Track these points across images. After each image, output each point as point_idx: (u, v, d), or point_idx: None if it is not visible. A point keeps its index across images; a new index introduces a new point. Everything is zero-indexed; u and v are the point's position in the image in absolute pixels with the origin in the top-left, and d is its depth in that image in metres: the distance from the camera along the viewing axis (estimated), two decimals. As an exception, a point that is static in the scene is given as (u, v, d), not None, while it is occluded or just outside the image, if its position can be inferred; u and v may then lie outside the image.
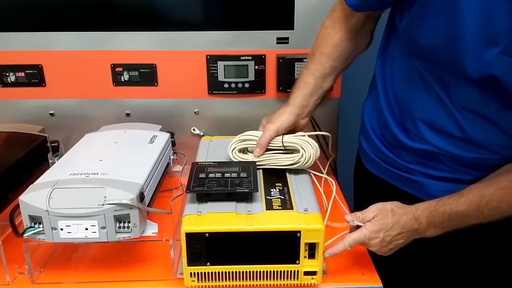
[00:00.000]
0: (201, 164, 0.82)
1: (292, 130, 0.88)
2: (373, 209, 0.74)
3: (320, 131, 1.11)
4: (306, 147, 0.85)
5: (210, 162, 0.84)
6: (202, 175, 0.78)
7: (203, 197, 0.74)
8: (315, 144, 0.85)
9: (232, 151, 0.87)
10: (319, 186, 0.87)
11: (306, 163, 0.85)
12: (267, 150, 0.88)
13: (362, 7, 0.80)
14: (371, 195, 0.96)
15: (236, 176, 0.77)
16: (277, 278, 0.72)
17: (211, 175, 0.78)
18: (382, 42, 0.88)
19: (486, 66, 0.65)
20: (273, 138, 0.85)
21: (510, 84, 0.65)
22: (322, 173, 0.90)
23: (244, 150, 0.88)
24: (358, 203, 1.04)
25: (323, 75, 0.86)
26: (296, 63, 1.04)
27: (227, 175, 0.77)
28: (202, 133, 1.11)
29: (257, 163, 0.85)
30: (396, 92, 0.83)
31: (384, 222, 0.72)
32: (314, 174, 0.89)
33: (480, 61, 0.65)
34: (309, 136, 0.87)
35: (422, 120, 0.79)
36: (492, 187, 0.70)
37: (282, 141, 0.86)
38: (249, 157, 0.86)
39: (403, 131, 0.83)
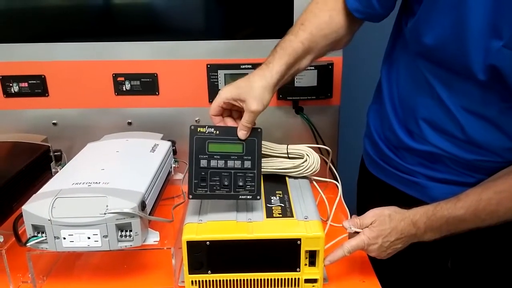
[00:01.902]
0: (201, 133, 0.74)
1: None
2: (371, 215, 0.75)
3: (321, 138, 1.12)
4: (310, 154, 0.86)
5: (211, 129, 0.75)
6: (203, 162, 0.73)
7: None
8: (317, 156, 0.86)
9: None
10: (321, 192, 0.88)
11: (307, 170, 0.86)
12: (269, 156, 0.88)
13: (363, 12, 0.78)
14: (374, 198, 0.96)
15: (240, 166, 0.74)
16: (278, 286, 0.72)
17: (213, 162, 0.73)
18: (388, 47, 0.88)
19: (490, 58, 0.65)
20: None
21: None
22: (325, 179, 0.91)
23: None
24: (361, 207, 1.04)
25: (309, 49, 0.78)
26: (295, 71, 1.05)
27: (230, 163, 0.73)
28: (203, 141, 1.12)
29: None
30: (401, 94, 0.84)
31: (382, 228, 0.73)
32: (317, 180, 0.90)
33: (484, 52, 0.66)
34: (311, 147, 0.87)
35: (425, 121, 0.79)
36: (490, 191, 0.70)
37: (287, 150, 0.87)
38: None
39: (406, 133, 0.83)
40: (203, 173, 0.73)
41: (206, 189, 0.73)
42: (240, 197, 0.74)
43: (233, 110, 0.78)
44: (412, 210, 0.74)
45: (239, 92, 0.73)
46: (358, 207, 1.05)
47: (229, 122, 0.77)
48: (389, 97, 0.86)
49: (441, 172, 0.81)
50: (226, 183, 0.73)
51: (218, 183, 0.73)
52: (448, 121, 0.76)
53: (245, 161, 0.74)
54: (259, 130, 0.76)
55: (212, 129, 0.75)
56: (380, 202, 0.78)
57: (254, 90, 0.73)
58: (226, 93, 0.74)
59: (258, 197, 0.74)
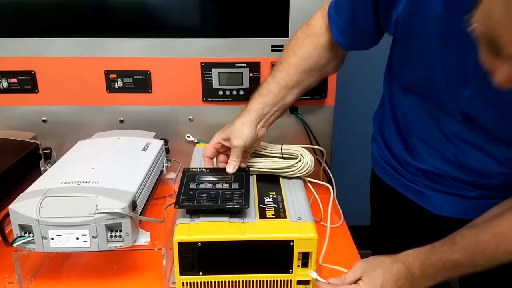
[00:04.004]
0: (193, 171, 0.81)
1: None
2: (358, 268, 0.68)
3: (315, 139, 1.11)
4: (304, 154, 0.85)
5: (202, 169, 0.83)
6: (192, 186, 0.77)
7: (194, 211, 0.73)
8: (311, 157, 0.86)
9: None
10: (315, 193, 0.87)
11: (301, 170, 0.85)
12: (264, 156, 0.88)
13: (351, 46, 0.80)
14: (382, 201, 0.96)
15: (228, 187, 0.76)
16: (270, 287, 0.71)
17: (201, 185, 0.77)
18: (387, 62, 0.87)
19: (461, 104, 0.66)
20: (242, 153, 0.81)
21: (487, 124, 0.65)
22: (318, 181, 0.90)
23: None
24: (374, 209, 1.02)
25: (288, 86, 0.82)
26: (290, 71, 1.04)
27: (218, 186, 0.77)
28: (196, 140, 1.11)
29: (251, 167, 0.85)
30: (401, 111, 0.83)
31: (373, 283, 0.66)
32: (310, 182, 0.89)
33: (456, 101, 0.66)
34: (305, 148, 0.87)
35: (421, 141, 0.79)
36: (487, 233, 0.66)
37: (281, 150, 0.87)
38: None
39: (407, 151, 0.83)
40: (191, 192, 0.75)
41: (192, 202, 0.73)
42: (227, 206, 0.72)
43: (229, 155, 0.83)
44: (404, 253, 0.68)
45: (225, 133, 0.81)
46: (372, 208, 1.04)
47: (221, 164, 0.84)
48: (391, 113, 0.85)
49: (443, 186, 0.80)
50: (213, 196, 0.74)
51: (205, 199, 0.73)
52: (441, 144, 0.75)
53: (233, 184, 0.77)
54: (247, 169, 0.83)
55: (203, 169, 0.83)
56: (387, 205, 0.76)
57: (235, 128, 0.80)
58: (217, 135, 0.82)
59: (247, 206, 0.72)
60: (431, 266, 0.66)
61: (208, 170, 0.82)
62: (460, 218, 0.75)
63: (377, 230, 1.00)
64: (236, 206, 0.72)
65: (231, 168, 0.79)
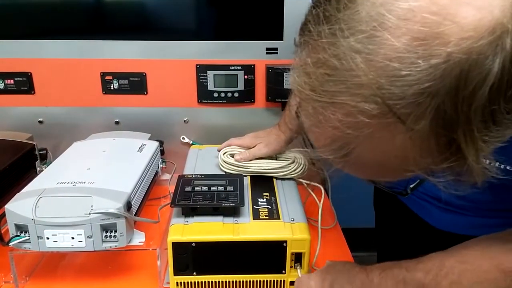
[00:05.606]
0: (188, 177, 0.82)
1: None
2: (325, 265, 0.72)
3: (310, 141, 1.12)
4: (298, 157, 0.87)
5: (197, 175, 0.84)
6: (188, 188, 0.78)
7: (189, 212, 0.74)
8: (304, 158, 0.87)
9: (223, 154, 0.90)
10: (311, 193, 0.87)
11: (294, 171, 0.86)
12: (258, 158, 0.89)
13: None
14: (386, 209, 0.96)
15: (223, 189, 0.77)
16: (263, 288, 0.72)
17: (197, 188, 0.78)
18: None
19: None
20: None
21: None
22: (311, 182, 0.91)
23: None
24: (378, 215, 1.03)
25: None
26: (285, 73, 1.05)
27: (213, 188, 0.77)
28: (191, 142, 1.12)
29: (244, 168, 0.86)
30: None
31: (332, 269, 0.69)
32: (304, 183, 0.90)
33: None
34: (299, 150, 0.89)
35: None
36: (453, 259, 0.64)
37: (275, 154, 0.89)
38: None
39: None
40: (187, 194, 0.76)
41: (188, 202, 0.74)
42: (223, 205, 0.73)
43: None
44: (368, 266, 0.69)
45: (258, 139, 0.91)
46: (376, 213, 1.04)
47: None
48: None
49: (441, 203, 0.80)
50: (208, 197, 0.75)
51: (201, 199, 0.74)
52: None
53: (227, 187, 0.78)
54: (243, 175, 0.87)
55: (198, 175, 0.85)
56: (392, 213, 0.78)
57: (270, 141, 0.90)
58: (247, 141, 0.91)
59: (242, 205, 0.73)
60: (391, 277, 0.65)
61: (202, 176, 0.83)
62: (462, 234, 0.72)
63: (382, 235, 1.01)
64: (231, 204, 0.73)
65: (241, 158, 0.88)
